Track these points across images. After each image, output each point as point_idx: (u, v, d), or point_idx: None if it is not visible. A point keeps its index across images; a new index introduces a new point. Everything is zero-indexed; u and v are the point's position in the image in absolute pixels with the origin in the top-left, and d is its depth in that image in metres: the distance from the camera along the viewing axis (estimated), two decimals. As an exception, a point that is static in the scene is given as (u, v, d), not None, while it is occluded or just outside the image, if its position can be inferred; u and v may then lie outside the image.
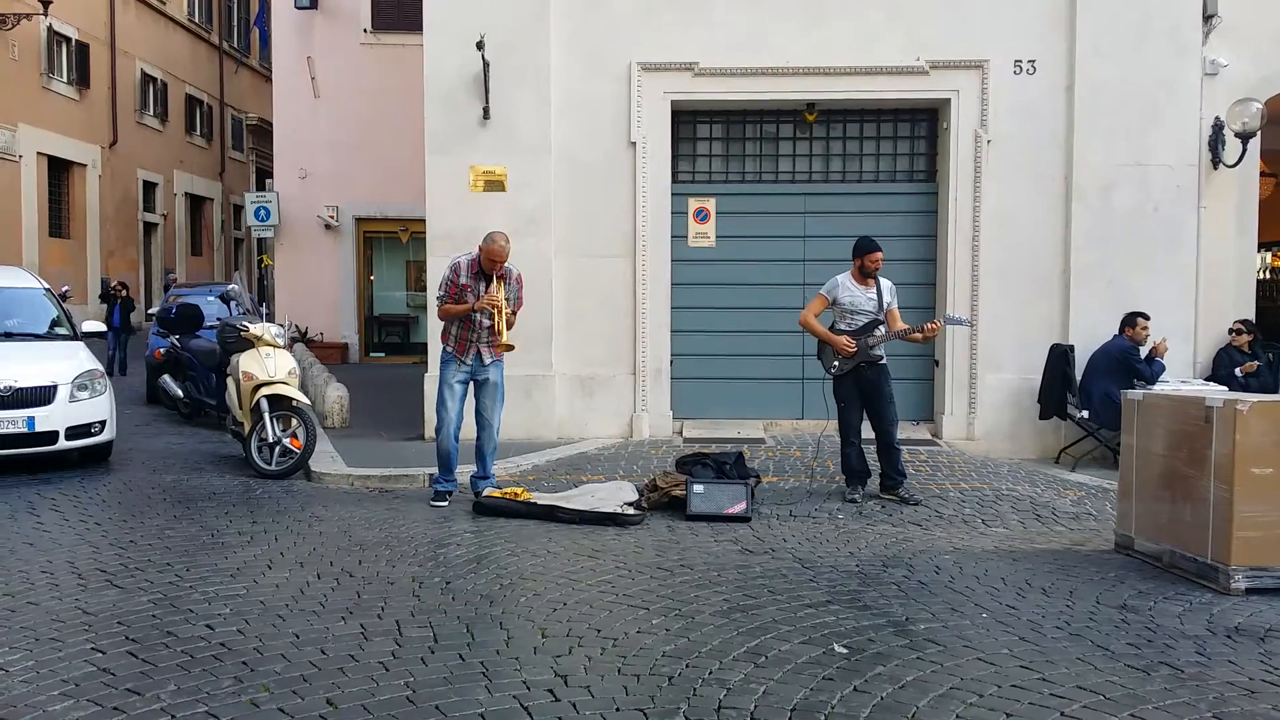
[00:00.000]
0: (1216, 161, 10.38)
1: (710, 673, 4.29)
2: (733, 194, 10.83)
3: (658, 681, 4.18)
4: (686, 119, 10.82)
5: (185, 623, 4.85)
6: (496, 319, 7.60)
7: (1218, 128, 10.31)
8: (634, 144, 10.37)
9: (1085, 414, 9.82)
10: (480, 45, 9.80)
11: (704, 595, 5.46)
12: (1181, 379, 9.88)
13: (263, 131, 27.47)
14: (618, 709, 3.89)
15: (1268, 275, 17.58)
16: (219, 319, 11.35)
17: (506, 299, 7.63)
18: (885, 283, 8.09)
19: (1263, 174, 11.03)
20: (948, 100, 10.34)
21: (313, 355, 15.99)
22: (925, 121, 10.84)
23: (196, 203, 29.43)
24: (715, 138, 10.95)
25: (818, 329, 8.05)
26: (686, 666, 4.36)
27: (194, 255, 29.02)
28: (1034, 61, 10.25)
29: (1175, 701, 4.05)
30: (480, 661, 4.37)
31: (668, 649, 4.57)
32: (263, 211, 19.56)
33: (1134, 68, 10.09)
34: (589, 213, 10.45)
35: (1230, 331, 10.44)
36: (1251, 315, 10.69)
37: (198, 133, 28.98)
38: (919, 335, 8.06)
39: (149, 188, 26.42)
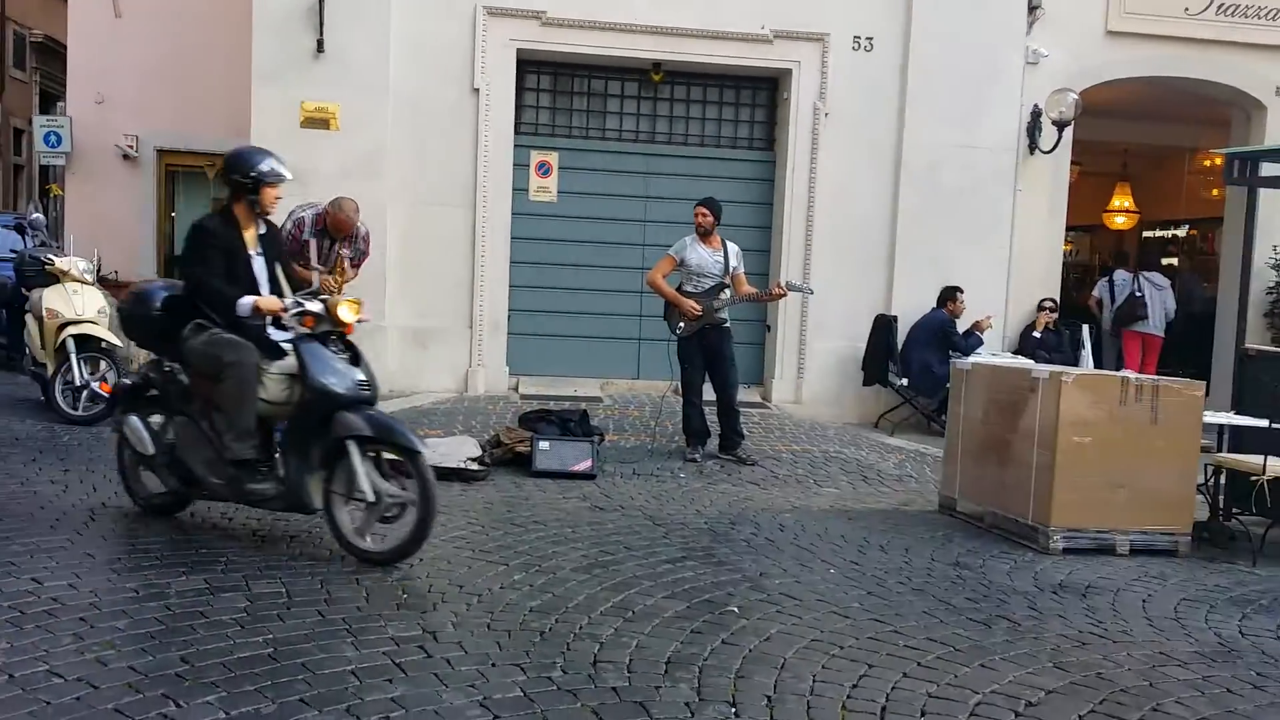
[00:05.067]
0: (1033, 147, 10.97)
1: (580, 627, 4.26)
2: (576, 149, 10.71)
3: (529, 637, 4.12)
4: (532, 69, 10.60)
5: (8, 575, 4.44)
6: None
7: (1036, 115, 10.89)
8: (477, 90, 10.08)
9: (904, 382, 10.28)
10: (319, -26, 9.30)
11: (561, 550, 5.42)
12: (992, 352, 10.46)
13: (50, 50, 25.23)
14: (493, 664, 3.81)
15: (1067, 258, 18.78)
16: (13, 250, 10.42)
17: (351, 260, 7.52)
18: (733, 247, 8.20)
19: (1071, 162, 11.74)
20: (789, 71, 10.51)
21: (108, 295, 14.89)
22: (767, 91, 11.00)
23: (-30, 124, 26.83)
24: (560, 90, 10.78)
25: (665, 290, 8.08)
26: (556, 621, 4.31)
27: (-34, 183, 26.51)
28: (872, 39, 10.53)
29: (1018, 653, 4.30)
30: (342, 618, 4.18)
31: (534, 604, 4.51)
32: (53, 137, 17.94)
33: (963, 51, 10.48)
34: (428, 159, 10.11)
35: (1039, 309, 11.13)
36: (1058, 295, 11.44)
37: (-27, 46, 26.36)
38: (766, 298, 8.22)
39: (-86, 104, 23.89)
